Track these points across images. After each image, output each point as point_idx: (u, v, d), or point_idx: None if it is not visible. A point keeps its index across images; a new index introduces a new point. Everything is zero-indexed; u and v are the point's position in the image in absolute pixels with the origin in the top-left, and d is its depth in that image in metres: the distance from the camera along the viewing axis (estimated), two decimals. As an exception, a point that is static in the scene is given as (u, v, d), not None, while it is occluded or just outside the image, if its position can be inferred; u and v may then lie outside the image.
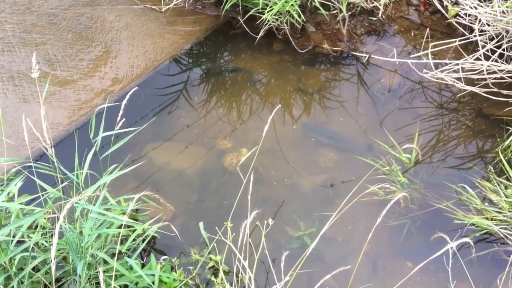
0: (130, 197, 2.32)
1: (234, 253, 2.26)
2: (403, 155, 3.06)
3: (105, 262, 2.25)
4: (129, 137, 2.28)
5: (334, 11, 3.88)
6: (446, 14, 3.84)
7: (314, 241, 2.05)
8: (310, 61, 3.86)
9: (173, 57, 3.77)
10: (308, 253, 2.16)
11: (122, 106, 2.19)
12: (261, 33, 3.75)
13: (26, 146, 2.23)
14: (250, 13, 3.72)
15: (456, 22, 3.71)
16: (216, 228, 2.56)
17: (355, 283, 2.44)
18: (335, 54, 3.87)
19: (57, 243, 2.15)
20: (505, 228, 2.63)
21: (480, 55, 3.31)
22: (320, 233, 2.03)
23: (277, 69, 3.80)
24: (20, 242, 2.07)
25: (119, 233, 2.42)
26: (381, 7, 3.91)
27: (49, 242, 2.26)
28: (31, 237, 2.16)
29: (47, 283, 2.13)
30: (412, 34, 3.98)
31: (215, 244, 2.53)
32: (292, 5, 3.57)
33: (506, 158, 2.95)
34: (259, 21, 3.73)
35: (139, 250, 2.27)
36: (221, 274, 2.36)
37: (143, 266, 2.45)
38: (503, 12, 3.27)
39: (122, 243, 2.37)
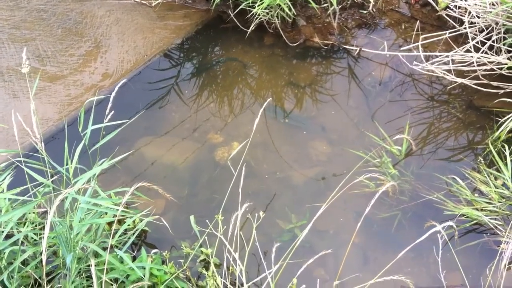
0: (121, 190, 2.32)
1: (225, 246, 2.26)
2: (394, 147, 3.06)
3: (96, 255, 2.25)
4: (118, 130, 2.27)
5: (325, 5, 3.88)
6: (436, 7, 3.85)
7: (304, 231, 2.06)
8: (301, 55, 3.86)
9: (163, 52, 3.76)
10: (300, 246, 2.17)
11: (111, 99, 2.17)
12: (251, 27, 3.74)
13: (16, 141, 2.22)
14: (240, 7, 3.71)
15: (446, 15, 3.72)
16: (207, 221, 2.56)
17: (346, 275, 2.44)
18: (326, 47, 3.87)
19: (47, 236, 2.15)
20: (495, 219, 2.64)
21: (470, 47, 3.32)
22: (310, 223, 2.03)
23: (268, 63, 3.79)
24: (9, 237, 2.06)
25: (110, 227, 2.42)
26: (371, 0, 3.92)
27: (39, 235, 2.26)
28: (21, 231, 2.15)
29: (37, 278, 2.12)
30: (403, 27, 3.98)
31: (206, 238, 2.53)
32: (282, -2, 3.57)
33: (496, 149, 2.97)
34: (249, 15, 3.72)
35: (129, 242, 2.26)
36: (212, 267, 2.36)
37: (134, 259, 2.45)
38: (493, 4, 3.28)
39: (113, 237, 2.37)
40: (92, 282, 2.21)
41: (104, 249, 2.35)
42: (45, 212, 2.36)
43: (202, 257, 2.56)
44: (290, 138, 3.29)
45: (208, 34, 3.98)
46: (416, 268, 2.69)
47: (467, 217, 2.72)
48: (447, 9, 3.68)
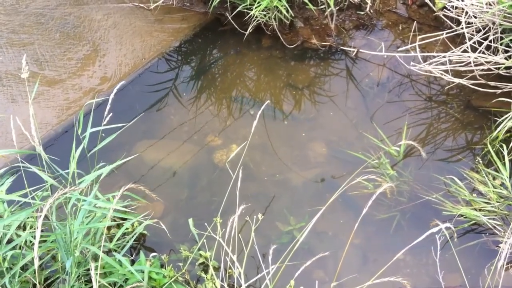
0: (114, 194, 2.32)
1: (223, 248, 2.27)
2: (392, 148, 3.07)
3: (95, 259, 2.25)
4: (116, 134, 2.27)
5: (322, 6, 3.88)
6: (433, 7, 3.85)
7: (303, 233, 2.06)
8: (299, 57, 3.86)
9: (162, 55, 3.76)
10: (299, 248, 2.16)
11: (110, 101, 2.18)
12: (249, 29, 3.75)
13: (15, 146, 2.22)
14: (238, 9, 3.72)
15: (443, 15, 3.72)
16: (206, 224, 2.56)
17: (346, 276, 2.44)
18: (324, 49, 3.88)
19: (44, 241, 2.16)
20: (493, 219, 2.64)
21: (467, 47, 3.33)
22: (309, 226, 2.03)
23: (266, 65, 3.80)
24: (9, 242, 2.07)
25: (109, 231, 2.43)
26: (369, 1, 3.93)
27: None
28: (20, 235, 2.15)
29: (36, 283, 2.12)
30: (400, 27, 3.99)
31: (205, 241, 2.53)
32: (280, 0, 3.57)
33: (494, 149, 2.97)
34: (247, 17, 3.73)
35: (128, 246, 2.26)
36: (211, 270, 2.36)
37: (132, 263, 2.45)
38: (489, 4, 3.28)
39: (111, 240, 2.37)
40: (91, 287, 2.22)
41: (104, 253, 2.36)
42: (45, 217, 2.36)
43: (201, 260, 2.56)
44: (289, 140, 3.29)
45: (206, 36, 3.99)
46: (415, 269, 2.69)
47: (466, 217, 2.72)
48: (444, 10, 3.68)
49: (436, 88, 3.58)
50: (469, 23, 3.44)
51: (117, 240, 2.50)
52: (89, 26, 3.85)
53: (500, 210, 2.68)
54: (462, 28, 3.42)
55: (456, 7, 3.55)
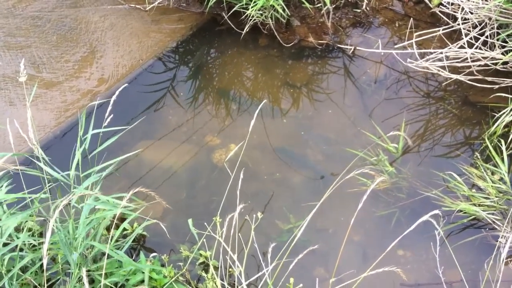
0: (119, 196, 2.32)
1: (222, 247, 2.27)
2: (390, 144, 3.07)
3: (94, 261, 2.26)
4: (117, 137, 2.28)
5: (319, 4, 3.89)
6: (430, 4, 3.86)
7: (300, 228, 2.06)
8: (297, 55, 3.87)
9: (159, 56, 3.76)
10: (300, 246, 2.16)
11: (111, 102, 2.19)
12: (246, 29, 3.75)
13: (12, 149, 2.23)
14: (234, 8, 3.72)
15: (440, 11, 3.72)
16: (206, 224, 2.56)
17: (346, 272, 2.44)
18: (320, 47, 3.88)
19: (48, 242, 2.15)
20: (493, 214, 2.65)
21: (464, 43, 3.33)
22: (305, 221, 2.03)
23: (263, 64, 3.80)
24: (7, 244, 2.06)
25: (108, 232, 2.43)
26: (365, -1, 3.93)
27: (38, 241, 2.26)
28: (19, 238, 2.15)
29: (37, 285, 2.13)
30: (397, 24, 3.99)
31: (204, 240, 2.53)
32: (276, -1, 3.58)
33: (492, 144, 2.97)
34: (244, 16, 3.73)
35: (127, 245, 2.25)
36: (211, 269, 2.36)
37: (133, 264, 2.45)
38: (485, 0, 3.29)
39: (111, 241, 2.37)
40: (93, 287, 2.22)
41: (103, 254, 2.36)
42: (44, 221, 2.36)
43: (201, 259, 2.56)
44: (288, 138, 3.29)
45: (203, 36, 3.99)
46: (415, 265, 2.69)
47: (465, 212, 2.72)
48: (440, 6, 3.69)
49: (433, 84, 3.59)
50: (465, 19, 3.45)
51: (116, 241, 2.50)
52: (86, 28, 3.86)
53: (499, 205, 2.68)
54: (458, 24, 3.42)
55: (452, 3, 3.55)
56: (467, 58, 3.30)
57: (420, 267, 2.68)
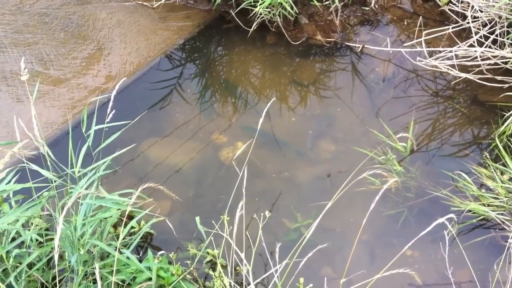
0: (126, 192, 2.32)
1: (232, 247, 2.25)
2: (398, 144, 3.05)
3: (102, 258, 2.25)
4: (120, 132, 2.26)
5: (327, 2, 3.87)
6: (439, 2, 3.83)
7: (310, 230, 2.04)
8: (304, 53, 3.85)
9: (166, 53, 3.75)
10: (307, 245, 2.15)
11: (112, 98, 2.18)
12: (253, 27, 3.74)
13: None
14: (241, 6, 3.70)
15: (449, 10, 3.70)
16: (213, 222, 2.55)
17: (354, 272, 2.43)
18: (328, 45, 3.86)
19: (51, 239, 2.15)
20: (502, 214, 2.63)
21: (474, 42, 3.31)
22: (315, 222, 2.02)
23: (271, 62, 3.79)
24: (15, 240, 2.06)
25: (115, 229, 2.42)
26: (373, -3, 3.91)
27: (45, 236, 2.26)
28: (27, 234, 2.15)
29: (44, 282, 2.12)
30: (405, 23, 3.97)
31: (212, 238, 2.52)
32: (284, -3, 3.56)
33: (502, 143, 2.95)
34: (251, 14, 3.72)
35: (134, 243, 2.24)
36: (218, 267, 2.35)
37: (140, 261, 2.44)
38: (495, -2, 3.26)
39: (118, 239, 2.37)
40: (100, 284, 2.21)
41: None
42: (49, 215, 2.36)
43: (209, 258, 2.55)
44: (295, 136, 3.28)
45: (210, 34, 3.98)
46: (423, 265, 2.68)
47: (474, 213, 2.70)
48: (450, 4, 3.66)
49: (442, 83, 3.56)
50: (475, 17, 3.42)
51: (123, 239, 2.50)
52: (93, 25, 3.85)
53: (509, 205, 2.66)
54: (468, 23, 3.40)
55: (462, 1, 3.53)
56: (476, 57, 3.27)
57: (428, 267, 2.66)
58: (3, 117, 3.19)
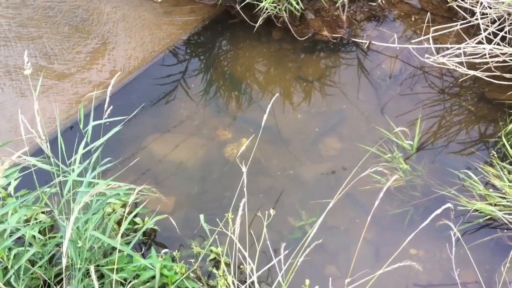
0: (130, 188, 2.29)
1: (236, 245, 2.23)
2: (405, 141, 3.02)
3: (104, 255, 2.24)
4: (118, 128, 2.23)
5: (333, -3, 3.83)
6: (447, -2, 3.79)
7: (313, 229, 2.02)
8: (310, 49, 3.81)
9: (171, 48, 3.73)
10: (310, 242, 2.13)
11: (108, 93, 2.16)
12: (259, 22, 3.70)
13: (24, 141, 2.20)
14: (247, 0, 3.67)
15: (457, 6, 3.65)
16: (218, 220, 2.52)
17: (358, 271, 2.41)
18: (335, 41, 3.82)
19: (54, 237, 2.14)
20: (509, 214, 2.59)
21: (482, 39, 3.26)
22: (319, 220, 1.99)
23: (276, 58, 3.75)
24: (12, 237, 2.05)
25: (119, 226, 2.41)
26: (380, -8, 3.87)
27: (47, 235, 2.25)
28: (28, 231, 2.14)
29: (47, 279, 2.11)
30: (413, 19, 3.92)
31: (216, 236, 2.50)
32: (290, -8, 3.53)
33: (509, 142, 2.91)
34: (257, 9, 3.68)
35: (135, 240, 2.22)
36: (222, 266, 2.33)
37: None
38: (505, -6, 3.22)
39: (122, 236, 2.35)
40: (103, 283, 2.20)
41: (113, 249, 2.34)
42: (51, 211, 2.34)
43: (212, 256, 2.54)
44: (300, 133, 3.25)
45: (215, 29, 3.95)
46: (428, 264, 2.65)
47: (481, 212, 2.67)
48: (458, 0, 3.61)
49: (449, 80, 3.52)
50: (483, 13, 3.38)
51: (128, 235, 2.49)
52: (98, 19, 3.82)
53: (516, 205, 2.63)
54: (476, 19, 3.35)
55: (470, -2, 3.48)
56: (485, 54, 3.23)
57: (433, 267, 2.64)
58: (7, 111, 3.17)
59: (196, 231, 2.66)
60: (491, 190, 2.74)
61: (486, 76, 3.24)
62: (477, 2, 3.39)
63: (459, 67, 3.28)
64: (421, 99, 3.40)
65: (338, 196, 2.07)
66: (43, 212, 2.47)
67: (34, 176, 2.20)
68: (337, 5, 3.82)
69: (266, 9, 3.62)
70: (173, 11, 3.96)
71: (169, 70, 3.61)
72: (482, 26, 3.30)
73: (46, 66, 3.44)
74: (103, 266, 2.20)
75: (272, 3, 3.60)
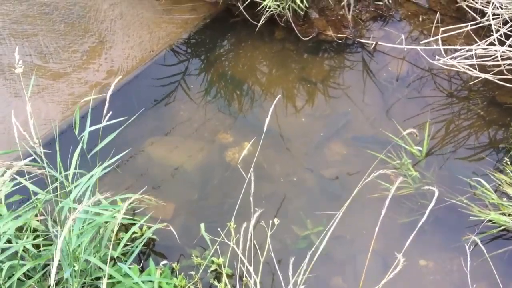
0: (125, 197, 2.19)
1: (237, 254, 2.12)
2: (414, 147, 2.91)
3: (100, 268, 2.12)
4: (114, 134, 2.13)
5: (339, -4, 3.72)
6: (457, -2, 3.68)
7: (322, 243, 1.91)
8: (314, 49, 3.70)
9: (170, 47, 3.61)
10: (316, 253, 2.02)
11: (108, 98, 2.05)
12: (262, 21, 3.58)
13: (17, 144, 2.09)
14: (250, -1, 3.55)
15: (467, 6, 3.54)
16: (219, 229, 2.40)
17: (365, 283, 2.30)
18: (339, 41, 3.71)
19: (47, 250, 2.03)
20: (524, 224, 2.49)
21: (494, 40, 3.15)
22: (327, 232, 1.89)
23: (279, 58, 3.64)
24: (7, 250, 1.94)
25: (116, 236, 2.29)
26: (387, -9, 3.75)
27: (41, 246, 2.13)
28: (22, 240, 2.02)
29: (39, 292, 2.00)
30: (420, 19, 3.81)
31: (218, 247, 2.39)
32: (294, -10, 3.41)
33: (522, 149, 2.81)
34: (260, 8, 3.56)
35: (135, 253, 2.11)
36: (224, 278, 2.22)
37: (142, 271, 2.31)
38: (518, -5, 3.11)
39: (118, 247, 2.24)
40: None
41: (112, 259, 2.23)
42: (45, 220, 2.23)
43: (214, 267, 2.42)
44: (304, 137, 3.14)
45: (216, 28, 3.83)
46: (438, 276, 2.55)
47: (494, 222, 2.56)
48: (467, 0, 3.50)
49: (458, 83, 3.41)
50: (495, 14, 3.26)
51: (125, 246, 2.37)
52: (95, 16, 3.70)
53: (531, 215, 2.52)
54: (487, 20, 3.24)
55: (481, -2, 3.37)
56: (497, 56, 3.11)
57: (444, 279, 2.53)
58: (0, 112, 3.05)
59: (196, 241, 2.54)
60: (504, 199, 2.63)
61: (498, 79, 3.13)
62: (488, 2, 3.28)
63: (470, 70, 3.16)
64: (429, 102, 3.29)
65: (345, 207, 1.96)
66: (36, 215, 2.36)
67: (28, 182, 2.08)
68: (342, 4, 3.71)
69: (269, 7, 3.50)
70: (172, 9, 3.84)
71: (168, 70, 3.49)
72: (494, 27, 3.19)
73: (41, 65, 3.31)
74: (99, 279, 2.08)
75: (275, 1, 3.48)
